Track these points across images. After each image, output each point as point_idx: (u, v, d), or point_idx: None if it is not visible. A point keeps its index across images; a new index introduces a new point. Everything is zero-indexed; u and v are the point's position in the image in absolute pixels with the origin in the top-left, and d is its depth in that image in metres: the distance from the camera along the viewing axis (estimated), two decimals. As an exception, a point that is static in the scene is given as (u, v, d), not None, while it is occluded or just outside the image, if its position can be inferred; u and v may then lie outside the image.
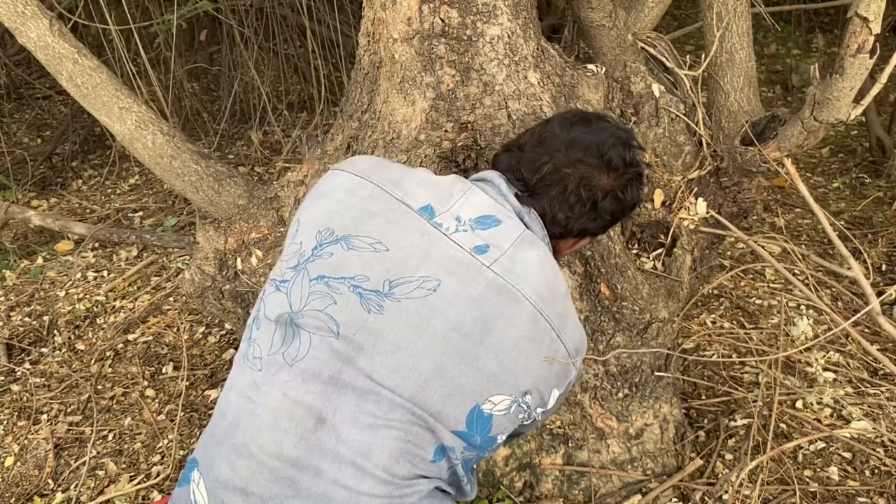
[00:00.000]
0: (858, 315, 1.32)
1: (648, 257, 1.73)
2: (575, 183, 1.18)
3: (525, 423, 1.13)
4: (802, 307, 2.40)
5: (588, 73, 1.61)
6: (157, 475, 1.99)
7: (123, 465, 2.05)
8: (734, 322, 2.41)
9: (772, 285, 2.59)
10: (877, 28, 1.26)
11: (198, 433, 2.11)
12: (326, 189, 1.18)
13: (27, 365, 2.51)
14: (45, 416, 2.26)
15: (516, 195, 1.19)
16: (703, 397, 2.06)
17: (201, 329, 2.62)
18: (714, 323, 2.41)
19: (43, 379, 2.43)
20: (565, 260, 1.58)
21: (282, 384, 1.03)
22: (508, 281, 1.06)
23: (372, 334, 1.03)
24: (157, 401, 2.29)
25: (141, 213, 3.58)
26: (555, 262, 1.16)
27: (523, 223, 1.18)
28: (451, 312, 1.03)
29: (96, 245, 3.24)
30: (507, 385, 1.05)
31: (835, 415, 1.96)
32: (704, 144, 1.70)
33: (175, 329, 2.62)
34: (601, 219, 1.22)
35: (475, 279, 1.06)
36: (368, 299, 1.04)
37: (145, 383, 2.36)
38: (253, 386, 1.06)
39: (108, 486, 1.98)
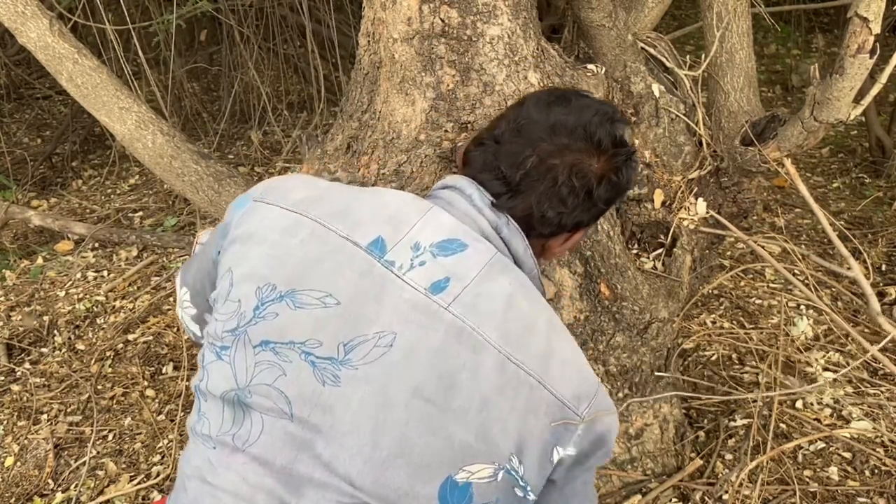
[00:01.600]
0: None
1: (648, 257, 1.73)
2: (566, 173, 1.03)
3: (528, 497, 0.93)
4: (802, 307, 2.40)
5: (588, 73, 1.61)
6: (158, 475, 1.99)
7: (123, 465, 2.05)
8: (734, 322, 2.41)
9: (772, 285, 2.59)
10: (877, 28, 1.26)
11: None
12: (257, 227, 1.01)
13: (27, 365, 2.51)
14: (44, 416, 2.26)
15: (492, 203, 1.04)
16: (703, 397, 2.06)
17: (201, 329, 2.63)
18: (714, 323, 2.41)
19: (43, 379, 2.43)
20: (565, 260, 1.57)
21: (239, 467, 0.92)
22: (468, 323, 0.91)
23: (328, 413, 0.89)
24: (157, 401, 2.29)
25: (141, 213, 3.58)
26: (533, 289, 1.00)
27: (501, 238, 1.03)
28: (411, 373, 0.89)
29: (96, 245, 3.24)
30: (483, 452, 0.89)
31: (835, 415, 1.96)
32: (704, 144, 1.70)
33: (175, 329, 2.62)
34: (596, 207, 1.07)
35: (433, 325, 0.91)
36: (323, 369, 0.91)
37: (145, 383, 2.36)
38: (209, 465, 0.95)
39: (108, 486, 1.98)
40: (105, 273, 3.04)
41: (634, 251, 1.73)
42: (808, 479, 1.77)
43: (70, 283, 2.98)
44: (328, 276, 0.94)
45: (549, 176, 1.03)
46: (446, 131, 1.50)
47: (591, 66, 1.62)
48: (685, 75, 1.72)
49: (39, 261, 3.17)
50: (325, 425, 0.89)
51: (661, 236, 1.71)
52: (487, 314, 0.92)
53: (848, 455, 1.84)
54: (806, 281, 1.70)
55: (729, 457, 1.84)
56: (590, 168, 1.04)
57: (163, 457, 2.05)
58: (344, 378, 0.90)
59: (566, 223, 1.07)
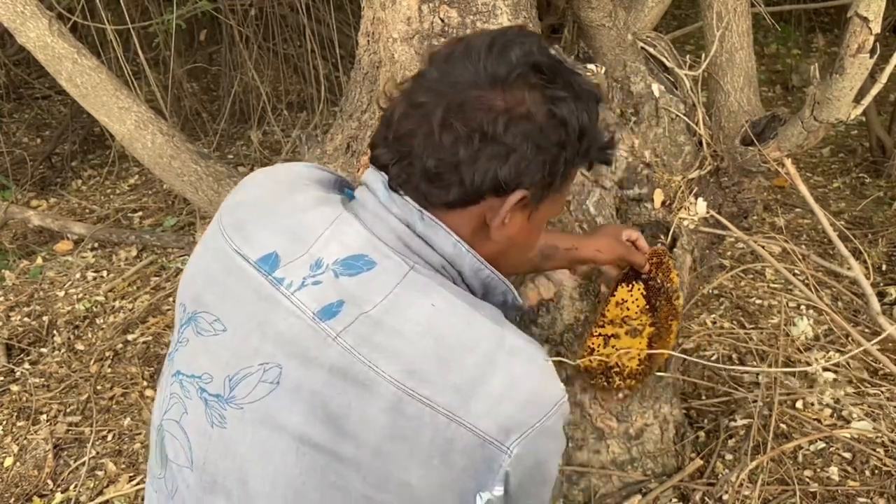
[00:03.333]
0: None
1: (648, 257, 1.73)
2: (440, 113, 0.79)
3: None
4: (802, 307, 2.40)
5: (588, 73, 1.60)
6: (157, 475, 1.99)
7: (123, 466, 2.05)
8: (734, 322, 2.40)
9: (772, 285, 2.59)
10: (877, 28, 1.26)
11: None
12: (203, 235, 0.92)
13: (26, 365, 2.51)
14: (44, 417, 2.26)
15: (387, 183, 0.84)
16: (704, 397, 2.06)
17: (201, 329, 2.62)
18: (714, 323, 2.41)
19: (42, 379, 2.43)
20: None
21: None
22: (360, 356, 0.75)
23: (220, 460, 0.79)
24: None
25: (140, 214, 3.58)
26: (474, 305, 0.81)
27: (420, 237, 0.83)
28: (296, 417, 0.75)
29: (96, 245, 3.24)
30: None
31: (835, 415, 1.96)
32: (704, 144, 1.70)
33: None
34: (518, 152, 0.80)
35: (317, 360, 0.76)
36: (212, 407, 0.80)
37: (145, 383, 2.36)
38: None
39: (107, 486, 1.98)
40: (104, 273, 3.04)
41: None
42: (808, 480, 1.77)
43: (69, 283, 2.98)
44: (219, 297, 0.83)
45: (424, 121, 0.81)
46: (446, 131, 1.49)
47: (591, 66, 1.62)
48: (685, 75, 1.72)
49: (39, 261, 3.17)
50: (220, 476, 0.79)
51: (661, 236, 1.71)
52: (388, 345, 0.76)
53: (848, 455, 1.84)
54: (806, 281, 1.70)
55: (729, 457, 1.84)
56: (481, 103, 0.79)
57: (162, 457, 2.05)
58: (230, 419, 0.78)
59: (470, 180, 0.80)
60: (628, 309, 1.43)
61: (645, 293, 1.42)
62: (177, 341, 0.87)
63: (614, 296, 1.43)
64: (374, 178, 0.85)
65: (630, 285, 1.42)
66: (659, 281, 1.42)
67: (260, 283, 0.81)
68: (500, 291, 0.89)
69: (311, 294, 0.79)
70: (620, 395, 1.66)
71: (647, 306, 1.43)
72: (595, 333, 1.47)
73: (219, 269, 0.85)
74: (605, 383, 1.53)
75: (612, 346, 1.47)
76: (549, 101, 0.81)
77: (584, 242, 1.33)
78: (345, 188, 0.97)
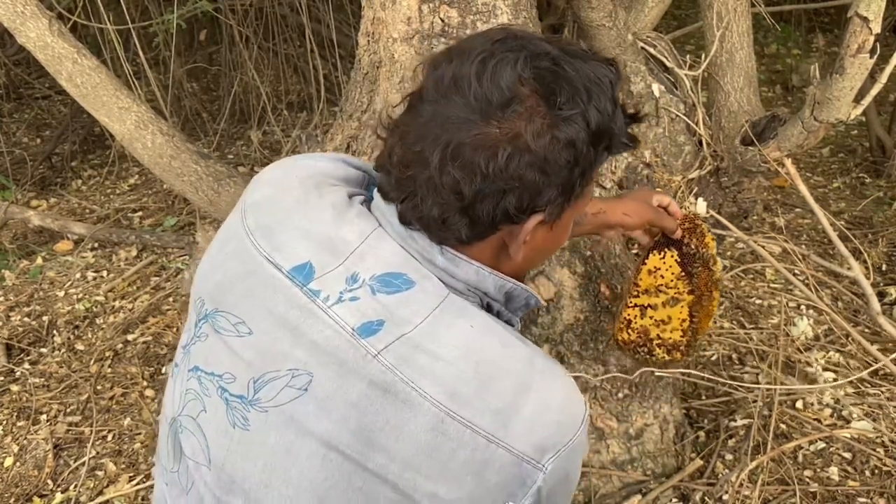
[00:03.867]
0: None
1: (648, 257, 1.72)
2: (437, 159, 0.76)
3: None
4: (802, 307, 2.40)
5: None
6: (157, 475, 1.99)
7: (123, 466, 2.05)
8: (734, 322, 2.40)
9: (772, 285, 2.59)
10: (877, 28, 1.26)
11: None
12: (222, 228, 0.92)
13: (26, 365, 2.51)
14: (44, 417, 2.26)
15: (401, 219, 0.83)
16: (704, 397, 2.06)
17: (201, 329, 2.62)
18: (714, 323, 2.41)
19: (42, 379, 2.43)
20: (565, 259, 1.57)
21: None
22: (401, 375, 0.76)
23: (240, 461, 0.79)
24: (156, 401, 2.29)
25: (140, 213, 3.58)
26: (503, 330, 0.82)
27: (439, 267, 0.83)
28: (325, 424, 0.76)
29: (96, 245, 3.24)
30: None
31: (835, 415, 1.96)
32: (704, 144, 1.70)
33: (174, 329, 2.61)
34: (525, 182, 0.76)
35: (355, 373, 0.76)
36: (234, 408, 0.80)
37: (145, 383, 2.36)
38: (164, 500, 0.89)
39: (107, 486, 1.98)
40: (104, 273, 3.04)
41: (634, 251, 1.73)
42: (808, 480, 1.77)
43: (69, 283, 2.98)
44: (244, 299, 0.83)
45: (422, 167, 0.78)
46: (446, 131, 1.49)
47: (591, 66, 1.62)
48: (685, 75, 1.72)
49: (39, 261, 3.17)
50: (238, 477, 0.79)
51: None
52: (430, 367, 0.76)
53: (848, 455, 1.84)
54: (806, 281, 1.70)
55: (729, 457, 1.84)
56: (477, 141, 0.75)
57: (162, 457, 2.05)
58: (253, 421, 0.79)
59: (479, 219, 0.79)
60: (662, 277, 1.37)
61: (679, 259, 1.37)
62: (195, 335, 0.86)
63: (646, 264, 1.38)
64: (388, 211, 0.84)
65: (662, 252, 1.37)
66: (693, 247, 1.37)
67: (294, 293, 0.80)
68: (524, 298, 0.91)
69: (349, 309, 0.79)
70: (620, 394, 1.66)
71: (683, 273, 1.37)
72: (630, 304, 1.41)
73: (243, 272, 0.84)
74: (648, 356, 1.46)
75: (650, 318, 1.41)
76: (551, 127, 0.76)
77: (612, 206, 1.27)
78: (371, 185, 0.95)
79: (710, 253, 1.39)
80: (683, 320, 1.41)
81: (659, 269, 1.37)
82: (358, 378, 0.76)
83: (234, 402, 0.80)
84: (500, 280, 0.86)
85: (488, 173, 0.76)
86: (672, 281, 1.37)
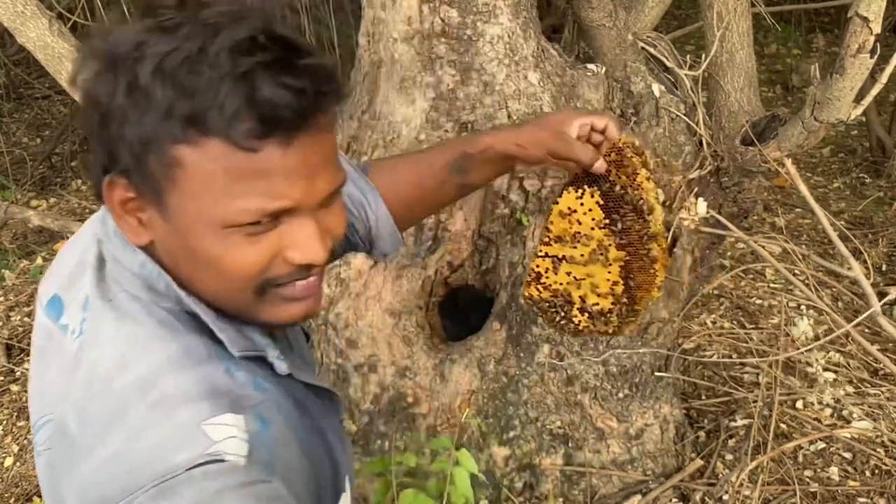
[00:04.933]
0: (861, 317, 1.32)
1: (648, 257, 1.72)
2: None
3: None
4: (803, 307, 2.40)
5: (588, 73, 1.60)
6: (157, 475, 1.99)
7: (123, 466, 2.05)
8: (734, 322, 2.40)
9: (772, 285, 2.59)
10: (877, 28, 1.26)
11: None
12: None
13: (26, 365, 2.51)
14: (44, 417, 2.26)
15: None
16: (704, 397, 2.06)
17: (201, 329, 2.62)
18: (714, 323, 2.41)
19: (42, 379, 2.43)
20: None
21: None
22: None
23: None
24: (156, 401, 2.29)
25: (140, 213, 3.58)
26: (136, 330, 0.67)
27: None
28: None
29: (96, 245, 3.24)
30: None
31: (835, 415, 1.96)
32: (704, 144, 1.70)
33: (175, 329, 2.61)
34: (108, 132, 0.64)
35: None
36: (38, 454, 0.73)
37: (145, 383, 2.36)
38: None
39: (107, 486, 1.98)
40: (105, 273, 3.04)
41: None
42: (808, 480, 1.77)
43: (70, 283, 2.98)
44: (34, 343, 0.77)
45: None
46: (446, 131, 1.49)
47: (591, 66, 1.62)
48: (685, 75, 1.72)
49: (39, 261, 3.17)
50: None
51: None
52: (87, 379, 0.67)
53: (848, 455, 1.84)
54: (806, 281, 1.70)
55: (729, 457, 1.84)
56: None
57: (162, 457, 2.05)
58: (37, 465, 0.72)
59: (105, 159, 0.66)
60: (579, 222, 1.10)
61: (601, 202, 1.08)
62: None
63: (557, 203, 1.10)
64: None
65: (580, 191, 1.08)
66: (621, 186, 1.06)
67: (52, 330, 0.73)
68: None
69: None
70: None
71: (606, 220, 1.09)
72: (540, 253, 1.14)
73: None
74: (566, 322, 1.20)
75: (567, 274, 1.14)
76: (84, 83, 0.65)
77: (503, 136, 1.01)
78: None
79: (643, 196, 1.09)
80: (614, 283, 1.13)
81: (575, 211, 1.09)
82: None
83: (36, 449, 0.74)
84: (130, 257, 0.73)
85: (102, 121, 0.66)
86: (592, 228, 1.09)
